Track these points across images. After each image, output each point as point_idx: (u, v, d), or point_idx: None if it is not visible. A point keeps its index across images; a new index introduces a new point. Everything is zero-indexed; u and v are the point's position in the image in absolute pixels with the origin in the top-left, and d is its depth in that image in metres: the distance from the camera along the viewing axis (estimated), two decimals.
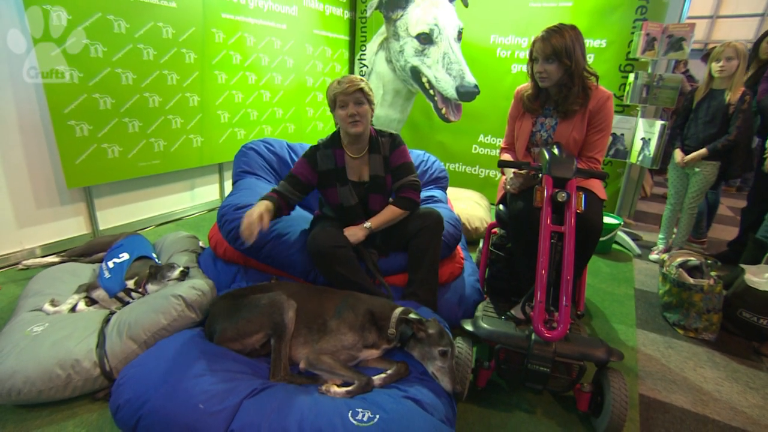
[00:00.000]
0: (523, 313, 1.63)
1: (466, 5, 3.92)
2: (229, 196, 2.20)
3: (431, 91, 4.27)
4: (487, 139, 4.14)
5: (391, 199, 1.93)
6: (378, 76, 4.57)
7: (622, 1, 3.26)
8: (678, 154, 2.83)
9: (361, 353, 1.52)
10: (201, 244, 2.39)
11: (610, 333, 2.14)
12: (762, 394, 1.78)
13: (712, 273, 2.19)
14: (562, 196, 1.50)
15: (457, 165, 4.34)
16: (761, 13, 14.25)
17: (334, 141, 1.88)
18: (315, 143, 1.93)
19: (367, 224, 1.84)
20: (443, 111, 4.27)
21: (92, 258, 2.24)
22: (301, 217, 2.15)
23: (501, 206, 2.00)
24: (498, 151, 4.10)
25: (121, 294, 1.80)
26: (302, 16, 3.91)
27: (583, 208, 1.53)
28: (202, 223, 3.31)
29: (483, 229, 3.02)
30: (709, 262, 2.24)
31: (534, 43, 1.78)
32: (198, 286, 1.71)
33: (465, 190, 3.71)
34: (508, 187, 1.82)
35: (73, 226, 2.70)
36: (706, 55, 3.68)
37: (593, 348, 1.46)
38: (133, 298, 1.79)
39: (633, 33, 3.26)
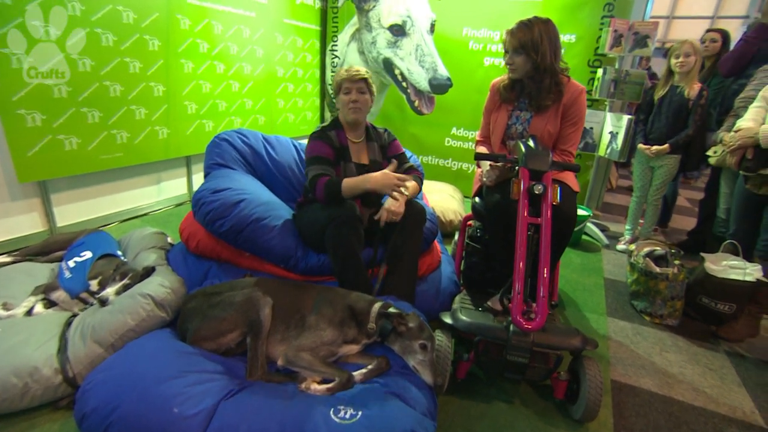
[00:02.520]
0: (501, 305, 1.65)
1: None
2: (203, 183, 2.12)
3: (404, 84, 4.25)
4: (460, 132, 4.17)
5: None
6: None
7: None
8: (642, 147, 2.92)
9: (340, 349, 1.49)
10: (170, 240, 2.29)
11: (583, 322, 2.20)
12: (719, 374, 1.88)
13: (676, 261, 2.28)
14: (538, 189, 1.52)
15: (430, 158, 4.35)
16: (711, 16, 15.24)
17: (336, 124, 1.97)
18: (315, 130, 1.97)
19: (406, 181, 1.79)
20: (416, 103, 4.26)
21: (50, 257, 2.10)
22: (279, 204, 2.10)
23: (477, 199, 2.01)
24: (471, 144, 4.16)
25: (84, 295, 1.70)
26: (272, 4, 3.80)
27: (558, 200, 1.56)
28: (169, 218, 3.18)
29: (457, 222, 3.04)
30: (672, 251, 2.34)
31: (505, 35, 1.79)
32: (167, 283, 1.63)
33: (438, 183, 3.72)
34: (485, 179, 1.83)
35: (26, 223, 2.53)
36: (667, 52, 3.85)
37: (569, 337, 1.50)
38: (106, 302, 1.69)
39: (601, 29, 3.34)
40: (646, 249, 2.35)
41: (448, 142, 4.23)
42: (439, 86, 4.10)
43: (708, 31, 3.26)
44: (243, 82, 3.67)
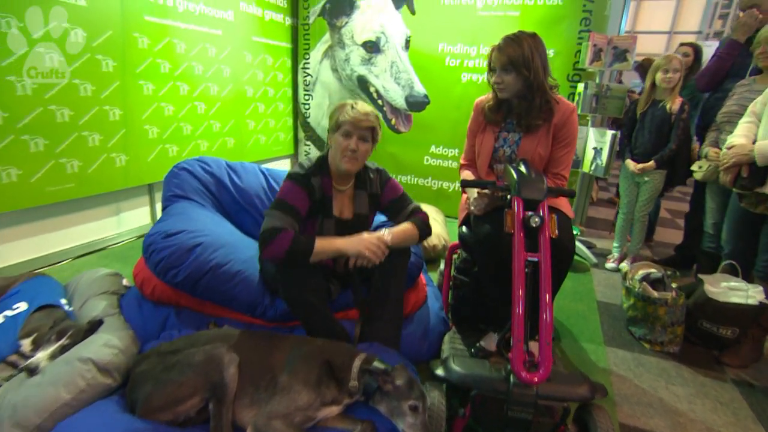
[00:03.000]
0: (500, 354, 1.47)
1: (413, 12, 3.81)
2: (157, 222, 1.91)
3: (380, 101, 4.12)
4: (439, 150, 4.04)
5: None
6: (323, 86, 4.35)
7: (567, 12, 3.29)
8: (630, 164, 2.85)
9: (318, 413, 1.29)
10: (125, 282, 2.04)
11: (581, 354, 2.05)
12: (731, 409, 1.75)
13: (673, 284, 2.17)
14: (535, 221, 1.36)
15: (409, 177, 4.20)
16: (668, 31, 16.09)
17: (321, 168, 1.63)
18: (296, 168, 1.63)
19: (388, 236, 1.54)
20: (393, 121, 4.12)
21: None
22: (243, 243, 1.89)
23: (464, 228, 1.85)
24: (451, 162, 4.04)
25: (14, 357, 1.45)
26: (239, 21, 3.62)
27: (557, 233, 1.41)
28: (130, 252, 2.91)
29: (441, 247, 2.88)
30: (668, 273, 2.23)
31: (492, 51, 1.65)
32: (115, 341, 1.40)
33: (419, 203, 3.56)
34: (472, 208, 1.67)
35: None
36: (639, 66, 3.84)
37: (576, 385, 1.33)
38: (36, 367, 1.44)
39: (579, 43, 3.29)
40: (642, 272, 2.23)
41: (427, 160, 4.10)
42: (416, 104, 3.98)
43: (681, 45, 3.28)
44: (209, 103, 3.46)
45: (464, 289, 1.91)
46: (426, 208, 3.44)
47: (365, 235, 1.53)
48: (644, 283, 2.14)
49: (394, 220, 1.75)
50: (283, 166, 4.67)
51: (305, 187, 1.57)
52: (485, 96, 1.82)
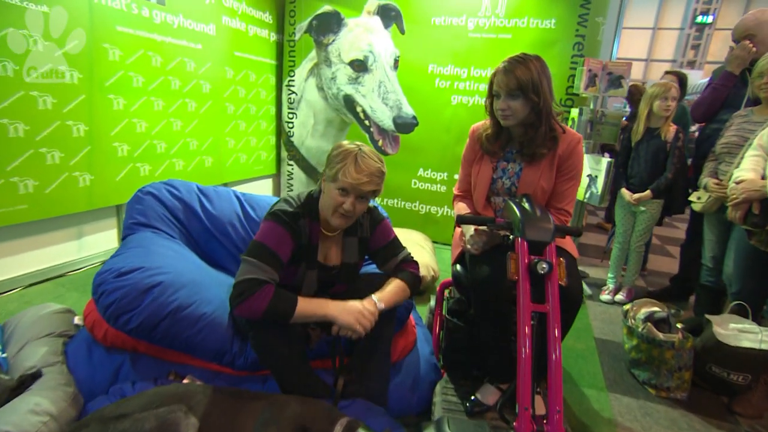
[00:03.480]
0: (502, 419, 1.29)
1: (402, 32, 3.71)
2: (111, 257, 1.68)
3: (366, 122, 3.97)
4: (427, 174, 3.90)
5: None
6: (308, 104, 4.20)
7: (560, 36, 3.22)
8: (626, 194, 2.76)
9: None
10: (77, 320, 1.80)
11: (583, 401, 1.88)
12: None
13: (678, 325, 2.03)
14: (543, 268, 1.20)
15: (395, 201, 4.04)
16: (645, 58, 16.72)
17: (311, 211, 1.43)
18: (281, 205, 1.41)
19: (380, 303, 1.38)
20: (380, 143, 3.98)
21: None
22: (210, 280, 1.68)
23: (458, 267, 1.67)
24: (439, 186, 3.89)
25: None
26: (221, 35, 3.46)
27: (566, 280, 1.25)
28: (91, 279, 2.65)
29: (430, 278, 2.70)
30: (672, 311, 2.09)
31: (495, 74, 1.51)
32: (43, 405, 1.17)
33: (405, 230, 3.40)
34: (469, 246, 1.50)
35: None
36: (630, 93, 3.80)
37: None
38: None
39: (573, 68, 3.21)
40: (644, 311, 2.08)
41: (415, 184, 3.95)
42: (404, 125, 3.84)
43: (666, 73, 3.26)
44: (186, 120, 3.26)
45: (458, 334, 1.72)
46: (412, 235, 3.29)
47: (358, 305, 1.34)
48: (649, 323, 1.99)
49: (381, 268, 1.59)
50: (265, 186, 4.46)
51: (291, 230, 1.36)
52: (482, 123, 1.68)
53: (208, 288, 1.54)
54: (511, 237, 1.32)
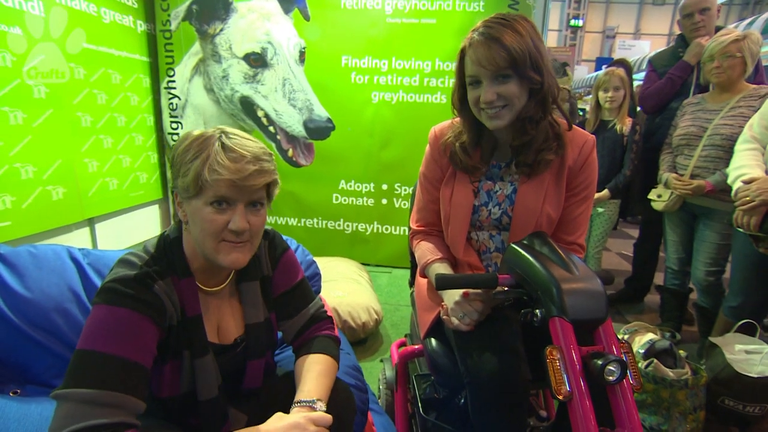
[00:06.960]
0: None
1: (307, 18, 3.07)
2: None
3: (271, 128, 3.28)
4: (350, 186, 3.32)
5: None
6: (196, 110, 3.38)
7: None
8: None
9: None
10: None
11: None
12: None
13: (681, 352, 1.70)
14: (611, 372, 0.69)
15: (315, 221, 3.40)
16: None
17: (173, 263, 0.85)
18: (118, 270, 0.81)
19: (320, 405, 0.84)
20: (289, 153, 3.31)
21: None
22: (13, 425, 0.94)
23: (434, 342, 1.11)
24: (365, 199, 3.32)
25: None
26: (55, 19, 2.53)
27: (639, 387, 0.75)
28: None
29: (372, 323, 2.13)
30: (667, 334, 1.77)
31: (465, 50, 0.98)
32: None
33: (332, 258, 2.79)
34: (456, 321, 0.95)
35: None
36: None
37: None
38: None
39: None
40: (640, 340, 1.72)
41: (337, 199, 3.34)
42: (318, 129, 3.22)
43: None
44: (10, 139, 2.31)
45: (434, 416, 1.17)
46: (342, 265, 2.67)
47: (298, 419, 0.78)
48: (655, 360, 1.62)
49: (284, 324, 1.01)
50: (150, 216, 3.52)
51: (145, 308, 0.77)
52: (447, 124, 1.14)
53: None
54: (538, 313, 0.79)
